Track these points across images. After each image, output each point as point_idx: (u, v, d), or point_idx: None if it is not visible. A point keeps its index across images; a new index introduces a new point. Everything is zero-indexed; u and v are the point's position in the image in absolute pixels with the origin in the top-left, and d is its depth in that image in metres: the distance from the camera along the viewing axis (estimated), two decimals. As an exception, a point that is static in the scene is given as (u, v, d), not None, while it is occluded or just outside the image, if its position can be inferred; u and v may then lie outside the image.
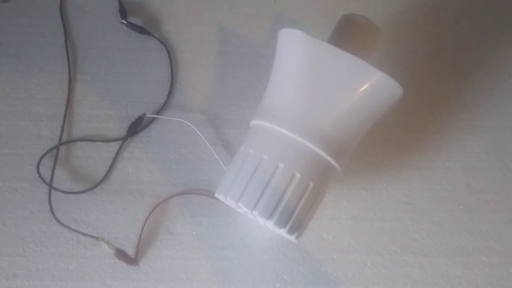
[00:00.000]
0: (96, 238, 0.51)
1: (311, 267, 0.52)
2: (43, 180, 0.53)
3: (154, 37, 0.59)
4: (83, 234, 0.51)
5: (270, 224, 0.43)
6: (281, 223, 0.42)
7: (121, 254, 0.50)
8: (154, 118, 0.57)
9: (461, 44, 0.61)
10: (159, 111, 0.57)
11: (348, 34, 0.47)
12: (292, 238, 0.44)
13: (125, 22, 0.59)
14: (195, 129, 0.55)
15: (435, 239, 0.54)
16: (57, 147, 0.54)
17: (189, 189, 0.54)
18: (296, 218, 0.43)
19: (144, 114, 0.56)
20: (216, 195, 0.46)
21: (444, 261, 0.53)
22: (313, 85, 0.43)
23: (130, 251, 0.51)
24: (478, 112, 0.59)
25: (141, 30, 0.59)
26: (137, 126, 0.56)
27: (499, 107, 0.59)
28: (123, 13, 0.60)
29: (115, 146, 0.55)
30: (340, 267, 0.53)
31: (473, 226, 0.55)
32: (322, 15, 0.62)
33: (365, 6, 0.62)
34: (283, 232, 0.43)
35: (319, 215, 0.50)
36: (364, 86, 0.43)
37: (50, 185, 0.53)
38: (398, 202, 0.55)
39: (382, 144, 0.56)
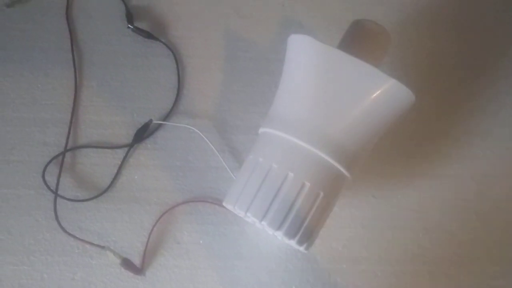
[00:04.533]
0: (102, 247, 0.50)
1: (321, 277, 0.51)
2: (48, 187, 0.52)
3: (161, 42, 0.59)
4: (88, 243, 0.50)
5: (279, 235, 0.42)
6: (290, 234, 0.41)
7: (127, 263, 0.49)
8: (160, 124, 0.56)
9: (471, 48, 0.60)
10: (166, 117, 0.56)
11: (359, 40, 0.46)
12: (301, 248, 0.43)
13: (132, 27, 0.59)
14: (202, 136, 0.55)
15: (447, 249, 0.53)
16: (62, 154, 0.54)
17: (196, 196, 0.53)
18: (305, 229, 0.42)
19: (151, 121, 0.55)
20: (224, 204, 0.45)
21: (456, 271, 0.52)
22: (323, 92, 0.42)
23: (136, 260, 0.51)
24: (490, 118, 0.57)
25: (148, 35, 0.59)
26: (143, 133, 0.55)
27: (510, 112, 0.58)
28: (130, 17, 0.59)
29: (121, 153, 0.55)
30: (350, 277, 0.52)
31: (486, 234, 0.53)
32: (331, 19, 0.61)
33: (374, 10, 0.61)
34: (292, 243, 0.42)
35: (328, 224, 0.49)
36: (376, 93, 0.42)
37: (55, 193, 0.52)
38: (409, 211, 0.54)
39: (392, 152, 0.55)
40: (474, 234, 0.53)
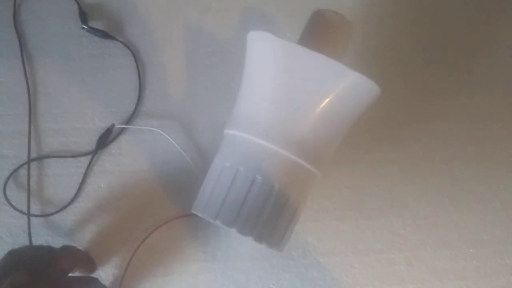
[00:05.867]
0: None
1: (297, 272, 0.51)
2: (11, 204, 0.50)
3: (118, 41, 0.56)
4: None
5: (250, 240, 0.41)
6: (261, 239, 0.40)
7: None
8: (123, 128, 0.54)
9: (438, 30, 0.59)
10: (129, 120, 0.54)
11: (320, 32, 0.44)
12: (274, 250, 0.42)
13: (86, 27, 0.56)
14: (168, 137, 0.53)
15: (421, 234, 0.53)
16: (27, 165, 0.52)
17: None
18: (277, 232, 0.41)
19: (113, 125, 0.53)
20: (193, 211, 0.43)
21: (431, 256, 0.52)
22: (286, 90, 0.41)
23: (108, 271, 0.49)
24: (458, 100, 0.57)
25: (104, 35, 0.56)
26: (106, 138, 0.53)
27: (479, 93, 0.58)
28: (84, 17, 0.56)
29: (84, 161, 0.53)
30: (326, 271, 0.51)
31: (458, 217, 0.54)
32: (294, 7, 0.59)
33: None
34: (264, 247, 0.41)
35: (302, 218, 0.48)
36: (340, 88, 0.41)
37: (28, 214, 0.50)
38: (381, 199, 0.54)
39: (361, 140, 0.54)
40: (447, 218, 0.54)
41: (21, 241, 0.49)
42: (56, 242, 0.50)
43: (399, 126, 0.56)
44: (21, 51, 0.55)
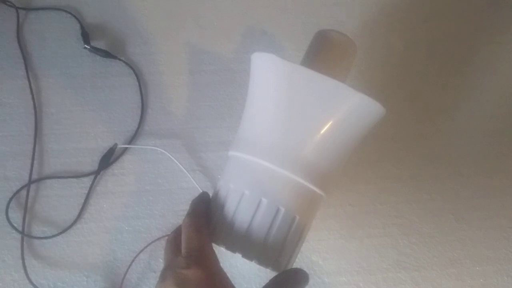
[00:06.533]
0: None
1: (302, 293, 0.50)
2: (13, 226, 0.50)
3: (120, 60, 0.56)
4: None
5: (255, 263, 0.40)
6: (267, 263, 0.40)
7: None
8: (126, 148, 0.54)
9: (443, 49, 0.60)
10: (131, 140, 0.54)
11: (324, 53, 0.44)
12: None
13: (88, 47, 0.56)
14: (170, 156, 0.53)
15: (427, 252, 0.52)
16: (27, 186, 0.51)
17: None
18: (283, 255, 0.40)
19: (116, 145, 0.53)
20: (198, 234, 0.43)
21: (437, 274, 0.52)
22: (290, 112, 0.41)
23: (112, 294, 0.49)
24: (461, 116, 0.57)
25: (106, 54, 0.56)
26: (109, 158, 0.53)
27: (482, 110, 0.57)
28: (86, 37, 0.57)
29: (87, 181, 0.52)
30: (332, 290, 0.51)
31: (464, 234, 0.53)
32: (295, 24, 0.59)
33: (337, 11, 0.60)
34: (269, 270, 0.41)
35: (307, 237, 0.48)
36: (345, 109, 0.40)
37: (22, 233, 0.50)
38: (386, 216, 0.53)
39: (365, 157, 0.54)
40: (452, 235, 0.53)
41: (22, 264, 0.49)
42: (58, 264, 0.50)
43: (402, 143, 0.56)
44: (27, 71, 0.55)
